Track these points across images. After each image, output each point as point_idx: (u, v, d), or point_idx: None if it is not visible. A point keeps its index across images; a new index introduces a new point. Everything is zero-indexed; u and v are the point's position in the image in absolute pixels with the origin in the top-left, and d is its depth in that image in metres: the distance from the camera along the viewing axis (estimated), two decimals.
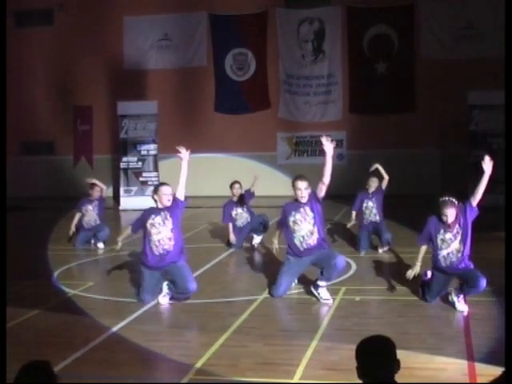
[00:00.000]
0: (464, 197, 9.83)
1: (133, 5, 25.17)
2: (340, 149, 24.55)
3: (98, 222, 15.06)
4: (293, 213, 9.96)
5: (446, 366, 7.08)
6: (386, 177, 13.53)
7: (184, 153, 10.23)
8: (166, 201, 9.86)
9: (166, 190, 9.91)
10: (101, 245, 14.74)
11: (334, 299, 9.80)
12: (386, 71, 24.06)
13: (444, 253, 9.32)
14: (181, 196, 9.91)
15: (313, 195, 9.95)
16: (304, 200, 9.91)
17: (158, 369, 7.30)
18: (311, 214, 9.91)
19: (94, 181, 15.30)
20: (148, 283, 9.91)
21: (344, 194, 22.69)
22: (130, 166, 22.92)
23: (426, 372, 6.86)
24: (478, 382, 6.61)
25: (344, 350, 7.49)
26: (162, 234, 9.80)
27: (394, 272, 11.77)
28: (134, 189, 22.76)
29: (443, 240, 9.32)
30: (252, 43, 25.02)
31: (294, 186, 9.95)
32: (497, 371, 4.02)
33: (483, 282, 8.91)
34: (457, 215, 9.31)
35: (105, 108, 25.40)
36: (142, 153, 22.90)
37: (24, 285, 11.05)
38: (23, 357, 5.37)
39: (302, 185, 9.91)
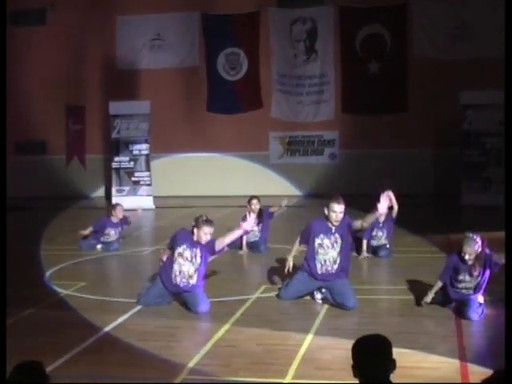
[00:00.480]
0: (456, 196, 9.90)
1: (125, 4, 25.12)
2: (332, 148, 24.57)
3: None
4: (321, 235, 9.65)
5: (438, 365, 7.10)
6: (396, 206, 12.94)
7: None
8: (204, 240, 9.55)
9: (207, 230, 9.52)
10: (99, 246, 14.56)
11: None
12: (379, 71, 24.06)
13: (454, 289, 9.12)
14: (219, 244, 9.56)
15: (347, 223, 9.59)
16: (337, 224, 9.59)
17: (150, 369, 7.29)
18: (340, 242, 9.61)
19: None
20: (155, 294, 9.72)
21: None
22: (122, 166, 22.88)
23: (418, 371, 6.86)
24: (470, 380, 6.62)
25: (337, 350, 7.49)
26: (186, 267, 9.56)
27: (387, 271, 11.79)
28: (127, 188, 22.73)
29: (462, 280, 9.05)
30: (244, 43, 25.00)
31: (329, 207, 9.57)
32: (488, 370, 4.03)
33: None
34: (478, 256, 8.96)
35: (97, 108, 25.34)
36: (134, 152, 22.86)
37: (16, 285, 11.01)
38: (15, 357, 5.35)
39: (339, 208, 9.54)
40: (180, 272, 9.51)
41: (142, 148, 22.87)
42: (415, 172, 22.59)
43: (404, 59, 23.80)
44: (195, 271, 9.52)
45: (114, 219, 14.57)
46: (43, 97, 25.72)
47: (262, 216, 13.74)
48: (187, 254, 9.51)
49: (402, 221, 14.75)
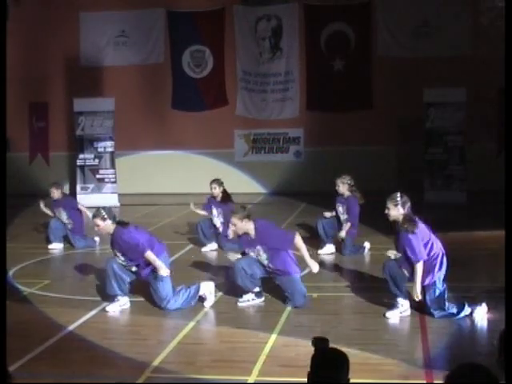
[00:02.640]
0: (420, 193, 10.00)
1: (89, 0, 24.97)
2: (297, 146, 24.61)
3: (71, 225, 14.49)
4: (247, 249, 9.71)
5: (401, 362, 7.15)
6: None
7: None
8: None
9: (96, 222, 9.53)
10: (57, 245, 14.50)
11: None
12: (344, 68, 24.12)
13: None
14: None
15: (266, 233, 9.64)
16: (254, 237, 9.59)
17: (115, 367, 7.28)
18: (265, 255, 9.54)
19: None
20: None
21: (301, 191, 22.84)
22: (87, 163, 22.75)
23: (382, 367, 6.92)
24: (434, 376, 6.68)
25: (301, 347, 7.52)
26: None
27: (350, 269, 11.84)
28: (91, 186, 22.60)
29: None
30: (209, 40, 24.94)
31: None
32: (451, 366, 4.06)
33: None
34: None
35: (61, 105, 25.16)
36: (99, 150, 22.73)
37: None
38: None
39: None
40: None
41: (106, 145, 22.75)
42: (379, 169, 22.69)
43: (368, 57, 23.90)
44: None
45: (53, 199, 14.69)
46: (6, 93, 25.51)
47: (227, 205, 13.52)
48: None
49: (366, 219, 14.83)
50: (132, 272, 9.53)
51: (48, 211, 14.73)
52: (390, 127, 22.98)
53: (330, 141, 23.71)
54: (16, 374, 6.51)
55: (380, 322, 8.69)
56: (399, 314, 8.80)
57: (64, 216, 14.47)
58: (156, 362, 7.26)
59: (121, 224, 9.53)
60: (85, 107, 22.75)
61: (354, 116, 23.59)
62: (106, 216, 9.45)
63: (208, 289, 9.62)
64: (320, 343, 4.16)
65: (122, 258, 9.40)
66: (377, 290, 9.92)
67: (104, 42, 25.25)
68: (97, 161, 22.70)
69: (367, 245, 13.25)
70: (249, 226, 9.51)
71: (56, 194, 14.58)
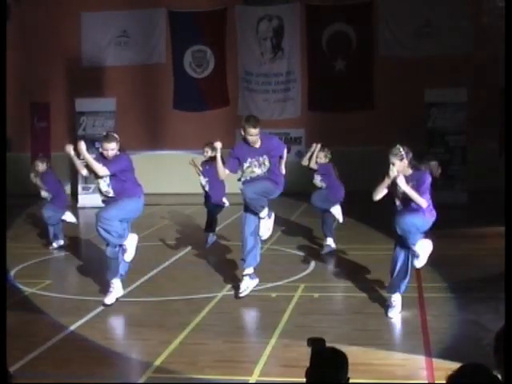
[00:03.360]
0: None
1: (91, 1, 24.97)
2: (299, 146, 24.59)
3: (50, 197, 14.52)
4: (249, 159, 9.93)
5: (403, 362, 7.15)
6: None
7: None
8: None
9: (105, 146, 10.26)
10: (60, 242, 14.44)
11: (292, 296, 9.82)
12: (345, 69, 24.12)
13: None
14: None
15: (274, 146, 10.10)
16: (258, 145, 9.93)
17: (116, 367, 7.28)
18: (268, 164, 9.91)
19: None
20: None
21: (303, 191, 22.79)
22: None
23: (383, 368, 6.91)
24: (435, 376, 6.68)
25: (303, 347, 7.44)
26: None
27: (352, 269, 11.83)
28: (92, 186, 22.56)
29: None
30: (211, 40, 24.95)
31: (246, 131, 9.93)
32: (453, 366, 4.05)
33: None
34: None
35: (62, 105, 25.16)
36: (100, 150, 22.72)
37: None
38: None
39: (256, 131, 9.87)
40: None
41: None
42: (381, 170, 22.63)
43: (370, 57, 23.90)
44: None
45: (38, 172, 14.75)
46: (7, 94, 25.51)
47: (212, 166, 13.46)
48: None
49: (367, 218, 14.87)
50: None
51: (39, 183, 14.73)
52: (392, 127, 22.94)
53: (332, 141, 23.56)
54: (17, 374, 6.51)
55: (381, 321, 8.68)
56: (399, 312, 8.81)
57: (44, 188, 14.52)
58: (157, 362, 7.25)
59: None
60: (86, 107, 22.76)
61: (356, 116, 23.58)
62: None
63: (131, 241, 9.69)
64: (315, 343, 4.16)
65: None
66: (378, 289, 9.92)
67: (105, 42, 25.26)
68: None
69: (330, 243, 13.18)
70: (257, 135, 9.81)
71: (40, 167, 14.66)
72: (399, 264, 8.88)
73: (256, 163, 9.83)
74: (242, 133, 9.95)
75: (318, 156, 13.27)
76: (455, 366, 3.75)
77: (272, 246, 13.61)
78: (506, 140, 7.32)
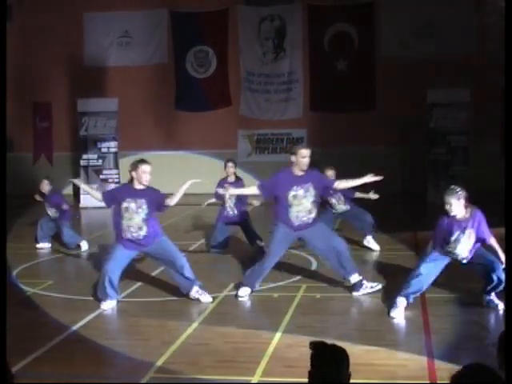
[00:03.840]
0: (423, 194, 10.08)
1: (93, 1, 24.97)
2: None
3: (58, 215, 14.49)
4: (294, 187, 9.77)
5: (405, 362, 7.14)
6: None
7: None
8: (145, 180, 9.67)
9: (145, 168, 9.70)
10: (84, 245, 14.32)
11: (294, 296, 9.82)
12: (347, 69, 24.11)
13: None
14: (169, 201, 9.88)
15: (316, 174, 10.06)
16: (305, 171, 9.85)
17: (118, 367, 7.28)
18: (312, 192, 9.78)
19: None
20: (117, 261, 9.61)
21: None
22: (91, 164, 22.77)
23: (385, 368, 6.91)
24: (438, 377, 6.68)
25: (305, 347, 7.45)
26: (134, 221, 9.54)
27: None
28: (95, 186, 22.49)
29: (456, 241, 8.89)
30: (213, 41, 24.94)
31: (297, 154, 9.81)
32: (455, 366, 4.05)
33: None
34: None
35: (65, 105, 25.18)
36: (103, 150, 22.76)
37: None
38: None
39: (307, 152, 9.87)
40: (128, 227, 9.50)
41: (110, 145, 22.78)
42: (382, 170, 22.60)
43: (372, 57, 23.89)
44: (143, 221, 9.52)
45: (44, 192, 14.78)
46: (10, 94, 25.53)
47: (238, 184, 13.40)
48: (132, 206, 9.54)
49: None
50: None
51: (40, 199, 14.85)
52: (393, 128, 22.95)
53: (333, 141, 23.67)
54: (19, 374, 6.51)
55: (383, 322, 8.68)
56: (401, 313, 8.81)
57: (51, 210, 14.49)
58: (159, 363, 7.25)
59: None
60: (88, 107, 22.78)
61: (357, 116, 23.57)
62: None
63: None
64: (317, 346, 4.17)
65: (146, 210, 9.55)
66: (380, 289, 9.92)
67: (107, 42, 25.27)
68: (100, 161, 22.72)
69: None
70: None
71: (46, 188, 14.73)
72: (428, 280, 8.91)
73: (302, 192, 9.73)
74: (293, 159, 9.83)
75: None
76: (457, 366, 3.75)
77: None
78: (505, 140, 7.31)
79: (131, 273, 11.57)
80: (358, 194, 13.10)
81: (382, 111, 23.28)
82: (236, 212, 13.44)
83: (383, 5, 23.50)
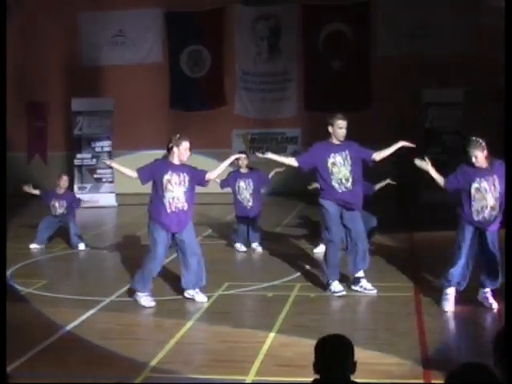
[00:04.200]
0: (418, 194, 10.11)
1: (88, 0, 24.97)
2: (295, 145, 24.61)
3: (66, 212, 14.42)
4: (332, 154, 10.17)
5: (400, 361, 7.14)
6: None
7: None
8: (186, 156, 9.62)
9: (187, 145, 9.64)
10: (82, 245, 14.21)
11: (288, 296, 9.82)
12: (342, 69, 24.12)
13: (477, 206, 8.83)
14: (209, 175, 9.73)
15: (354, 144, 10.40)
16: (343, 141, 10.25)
17: (113, 367, 7.27)
18: (349, 160, 10.17)
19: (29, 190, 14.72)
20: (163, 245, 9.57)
21: (299, 190, 22.80)
22: (85, 163, 22.73)
23: (379, 367, 6.91)
24: (432, 375, 6.68)
25: (299, 347, 7.52)
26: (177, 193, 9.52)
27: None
28: (89, 186, 22.57)
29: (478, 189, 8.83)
30: (208, 40, 24.94)
31: (334, 124, 10.44)
32: (450, 365, 4.06)
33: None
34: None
35: (59, 104, 25.15)
36: (97, 149, 22.72)
37: None
38: None
39: (344, 123, 10.39)
40: (173, 198, 9.52)
41: (104, 145, 22.75)
42: (378, 170, 22.63)
43: (367, 57, 23.90)
44: (184, 194, 9.55)
45: (59, 190, 14.54)
46: (6, 93, 25.50)
47: (255, 174, 13.62)
48: (175, 179, 9.51)
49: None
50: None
51: (35, 191, 14.70)
52: (389, 127, 22.92)
53: None
54: (14, 374, 6.51)
55: (378, 321, 8.69)
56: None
57: (62, 209, 14.39)
58: (154, 362, 7.25)
59: None
60: (83, 107, 22.76)
61: (353, 116, 23.12)
62: None
63: None
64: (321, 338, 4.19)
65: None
66: (375, 288, 9.92)
67: (102, 41, 25.25)
68: (94, 160, 22.68)
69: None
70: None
71: (64, 183, 14.68)
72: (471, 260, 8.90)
73: (341, 159, 10.01)
74: (330, 129, 10.28)
75: None
76: (452, 365, 3.75)
77: (268, 245, 13.60)
78: (505, 140, 7.30)
79: (125, 272, 11.57)
80: (377, 186, 13.11)
81: (378, 111, 23.29)
82: (251, 204, 13.43)
83: (379, 4, 23.52)
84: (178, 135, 9.75)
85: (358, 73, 23.86)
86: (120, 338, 8.20)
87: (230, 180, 13.54)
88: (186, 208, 9.50)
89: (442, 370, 6.43)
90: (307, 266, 11.82)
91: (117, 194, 22.31)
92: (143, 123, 24.78)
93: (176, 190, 9.46)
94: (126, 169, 9.82)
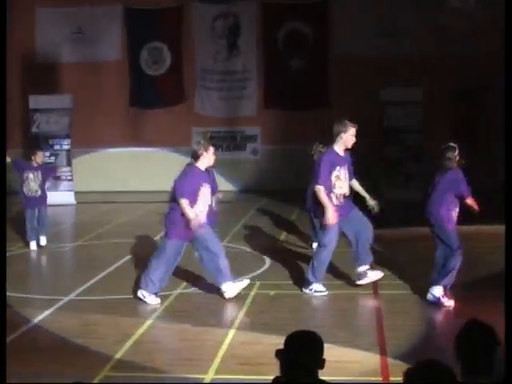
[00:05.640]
0: (378, 192, 10.20)
1: None
2: (254, 144, 24.65)
3: (40, 193, 14.21)
4: (338, 167, 9.72)
5: (359, 359, 7.20)
6: None
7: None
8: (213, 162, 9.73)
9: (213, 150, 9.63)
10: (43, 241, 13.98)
11: (248, 294, 9.82)
12: (301, 67, 24.20)
13: None
14: None
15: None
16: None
17: (72, 366, 7.22)
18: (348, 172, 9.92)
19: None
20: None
21: (258, 188, 22.89)
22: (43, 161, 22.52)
23: (339, 364, 6.93)
24: (391, 373, 6.73)
25: (259, 345, 7.53)
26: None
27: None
28: (47, 184, 22.34)
29: None
30: (167, 37, 24.87)
31: (348, 131, 9.88)
32: (408, 362, 4.11)
33: None
34: None
35: (16, 102, 24.92)
36: (55, 147, 22.51)
37: None
38: None
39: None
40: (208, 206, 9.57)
41: (62, 143, 22.55)
42: None
43: (326, 56, 24.00)
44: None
45: (34, 163, 14.38)
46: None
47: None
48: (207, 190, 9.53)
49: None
50: None
51: (8, 159, 14.51)
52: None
53: (287, 139, 23.76)
54: None
55: (337, 319, 8.75)
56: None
57: (37, 181, 14.20)
58: (114, 361, 7.22)
59: None
60: (40, 104, 22.52)
61: (312, 115, 23.66)
62: None
63: None
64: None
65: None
66: (335, 287, 9.98)
67: (60, 38, 25.03)
68: (53, 158, 22.46)
69: None
70: None
71: (39, 158, 14.51)
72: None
73: (344, 173, 9.75)
74: (342, 136, 9.78)
75: None
76: (410, 362, 3.79)
77: (227, 243, 13.60)
78: (506, 140, 7.38)
79: (84, 271, 11.50)
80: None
81: (337, 109, 23.38)
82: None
83: (337, 3, 23.62)
84: (205, 140, 9.70)
85: (317, 71, 23.96)
86: (79, 336, 8.14)
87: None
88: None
89: (401, 368, 6.48)
90: (266, 264, 11.84)
91: (76, 192, 22.14)
92: (103, 121, 24.64)
93: (208, 200, 9.62)
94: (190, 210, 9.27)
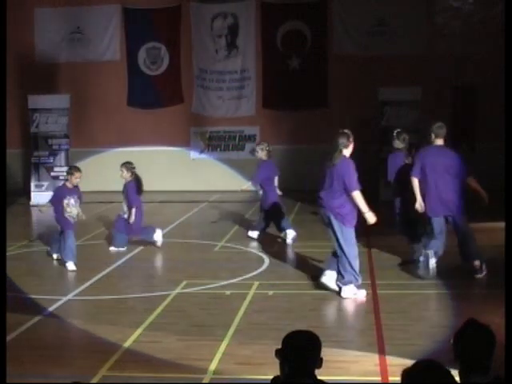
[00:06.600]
0: (375, 192, 10.26)
1: None
2: (253, 144, 24.62)
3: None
4: None
5: (357, 359, 7.20)
6: None
7: None
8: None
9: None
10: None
11: (247, 294, 9.83)
12: (299, 67, 24.18)
13: None
14: None
15: None
16: None
17: (69, 366, 7.22)
18: None
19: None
20: None
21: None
22: (41, 161, 22.51)
23: (337, 364, 6.95)
24: (389, 373, 6.74)
25: (257, 345, 7.54)
26: None
27: (306, 266, 11.86)
28: (46, 184, 22.36)
29: None
30: (165, 37, 24.85)
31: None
32: (406, 362, 4.10)
33: None
34: None
35: (15, 101, 24.91)
36: (54, 147, 22.52)
37: None
38: None
39: None
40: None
41: (61, 143, 22.55)
42: None
43: (324, 55, 23.99)
44: None
45: (69, 185, 12.48)
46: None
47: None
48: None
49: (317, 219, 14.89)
50: None
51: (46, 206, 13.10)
52: (345, 125, 23.06)
53: (286, 139, 23.76)
54: None
55: (335, 319, 8.77)
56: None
57: (75, 207, 12.44)
58: (111, 361, 7.22)
59: None
60: (39, 104, 22.52)
61: (310, 114, 23.66)
62: None
63: None
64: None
65: None
66: (329, 288, 9.97)
67: (59, 38, 25.02)
68: (51, 158, 22.47)
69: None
70: None
71: (76, 179, 12.54)
72: None
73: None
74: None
75: None
76: (408, 362, 3.80)
77: (226, 243, 13.62)
78: (506, 140, 7.38)
79: (83, 271, 11.50)
80: None
81: (335, 109, 23.41)
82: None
83: (336, 3, 23.62)
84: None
85: (315, 71, 23.94)
86: (77, 336, 8.16)
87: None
88: None
89: (399, 367, 6.49)
90: (265, 264, 11.85)
91: None
92: (101, 121, 24.64)
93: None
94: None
